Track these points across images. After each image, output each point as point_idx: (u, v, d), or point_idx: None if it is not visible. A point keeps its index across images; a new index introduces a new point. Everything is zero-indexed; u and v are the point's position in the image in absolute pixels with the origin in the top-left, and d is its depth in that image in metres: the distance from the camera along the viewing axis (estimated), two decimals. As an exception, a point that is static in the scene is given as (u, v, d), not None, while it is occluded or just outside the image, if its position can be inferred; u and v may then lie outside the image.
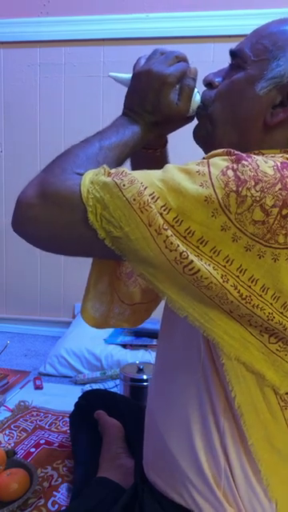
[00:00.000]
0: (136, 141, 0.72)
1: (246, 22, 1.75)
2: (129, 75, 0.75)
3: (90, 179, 0.59)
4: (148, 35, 1.91)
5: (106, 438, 1.07)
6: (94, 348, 1.75)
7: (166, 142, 0.85)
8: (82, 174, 0.60)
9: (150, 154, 0.83)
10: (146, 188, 0.56)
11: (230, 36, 1.80)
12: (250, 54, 0.68)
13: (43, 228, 0.60)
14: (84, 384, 1.63)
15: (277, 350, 0.61)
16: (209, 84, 0.74)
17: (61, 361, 1.74)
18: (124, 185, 0.57)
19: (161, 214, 0.55)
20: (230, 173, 0.55)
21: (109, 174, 0.59)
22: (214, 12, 1.85)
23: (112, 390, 1.54)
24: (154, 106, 0.71)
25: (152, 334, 1.79)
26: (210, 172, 0.56)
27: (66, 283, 2.18)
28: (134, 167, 0.83)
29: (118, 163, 0.68)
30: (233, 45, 0.73)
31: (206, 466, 0.67)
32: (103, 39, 1.96)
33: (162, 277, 0.59)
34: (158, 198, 0.56)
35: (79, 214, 0.58)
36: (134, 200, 0.56)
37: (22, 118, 2.10)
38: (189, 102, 0.72)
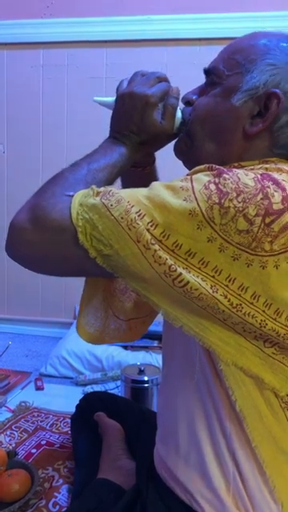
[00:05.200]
0: (124, 162, 0.75)
1: (250, 24, 1.77)
2: (112, 98, 0.78)
3: (79, 201, 0.61)
4: (151, 37, 1.92)
5: (106, 439, 1.07)
6: (95, 349, 1.75)
7: (154, 159, 0.88)
8: (71, 196, 0.62)
9: (140, 172, 0.86)
10: (132, 206, 0.58)
11: (233, 38, 1.79)
12: (223, 70, 0.71)
13: (36, 251, 0.63)
14: (85, 385, 1.64)
15: (273, 353, 0.62)
16: (187, 102, 0.77)
17: (62, 362, 1.75)
18: (111, 205, 0.59)
19: (148, 230, 0.57)
20: (213, 186, 0.57)
21: (97, 194, 0.61)
22: (218, 14, 1.86)
23: (113, 391, 1.54)
24: (138, 126, 0.74)
25: (153, 336, 1.79)
26: (193, 187, 0.58)
27: (67, 284, 2.18)
28: (125, 185, 0.85)
29: (108, 184, 0.70)
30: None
31: (215, 472, 0.67)
32: (106, 41, 1.96)
33: (154, 290, 0.61)
34: (144, 214, 0.58)
35: (70, 235, 0.60)
36: (122, 218, 0.58)
37: (24, 119, 2.10)
38: (172, 120, 0.75)
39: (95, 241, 0.59)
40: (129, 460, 1.00)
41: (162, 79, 0.76)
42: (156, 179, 0.89)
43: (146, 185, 0.66)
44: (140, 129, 0.74)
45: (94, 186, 0.63)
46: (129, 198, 0.59)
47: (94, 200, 0.60)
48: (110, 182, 0.72)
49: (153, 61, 1.90)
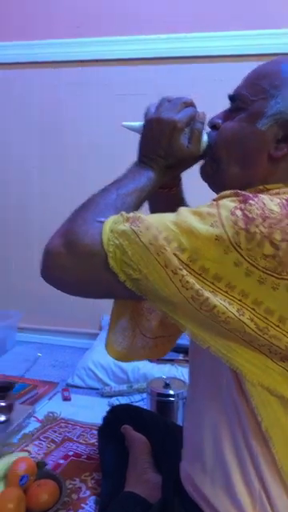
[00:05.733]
0: (151, 185, 0.77)
1: (276, 41, 1.80)
2: (140, 123, 0.81)
3: (110, 228, 0.64)
4: (181, 54, 1.95)
5: (133, 452, 1.09)
6: (121, 361, 1.77)
7: (180, 180, 0.91)
8: (102, 222, 0.65)
9: (167, 193, 0.88)
10: (160, 232, 0.61)
11: (260, 55, 1.82)
12: (248, 95, 0.73)
13: (70, 274, 0.66)
14: (111, 396, 1.66)
15: None
16: (213, 126, 0.79)
17: (88, 373, 1.78)
18: (141, 231, 0.62)
19: (176, 255, 0.59)
20: (239, 212, 0.59)
21: (127, 220, 0.64)
22: (257, 31, 1.87)
23: (138, 403, 1.56)
24: (166, 150, 0.77)
25: (178, 349, 1.80)
26: (219, 213, 0.60)
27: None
28: (152, 206, 0.89)
29: (136, 208, 0.73)
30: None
31: (241, 491, 0.68)
32: (139, 59, 2.00)
33: (181, 313, 0.63)
34: (172, 240, 0.60)
35: (101, 259, 0.63)
36: (151, 244, 0.60)
37: (57, 135, 2.16)
38: (199, 144, 0.78)
39: (125, 265, 0.62)
40: (155, 474, 1.02)
41: (188, 104, 0.78)
42: (182, 199, 0.92)
43: (172, 205, 0.69)
44: (167, 153, 0.77)
45: (123, 213, 0.66)
46: (157, 224, 0.62)
47: (123, 226, 0.63)
48: (139, 206, 0.74)
49: (182, 78, 1.93)
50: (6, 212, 2.28)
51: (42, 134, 2.19)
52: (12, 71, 2.15)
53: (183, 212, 0.63)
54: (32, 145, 2.20)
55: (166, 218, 0.63)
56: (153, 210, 0.89)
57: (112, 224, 0.64)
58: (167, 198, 0.88)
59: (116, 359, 0.86)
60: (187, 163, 0.80)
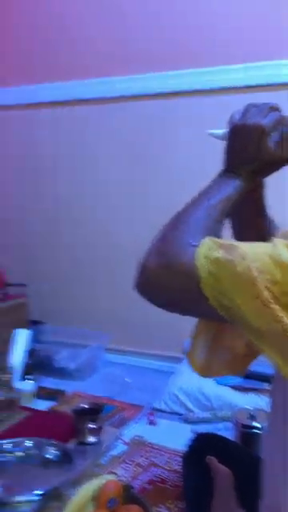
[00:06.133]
0: (238, 193, 0.78)
1: None
2: (225, 130, 0.83)
3: (204, 254, 0.65)
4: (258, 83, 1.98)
5: (217, 485, 1.10)
6: (205, 387, 1.77)
7: (264, 185, 0.91)
8: (195, 246, 0.67)
9: (249, 195, 0.87)
10: (254, 262, 0.61)
11: None
12: None
13: (164, 293, 0.69)
14: (194, 423, 1.67)
15: None
16: None
17: (172, 397, 1.81)
18: (234, 260, 0.62)
19: (267, 288, 0.59)
20: None
21: (220, 247, 0.65)
22: None
23: (221, 431, 1.56)
24: (253, 155, 0.78)
25: (262, 378, 1.78)
26: None
27: (175, 319, 2.24)
28: (234, 209, 0.87)
29: (223, 218, 0.76)
30: None
31: None
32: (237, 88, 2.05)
33: (268, 344, 0.62)
34: (265, 272, 0.60)
35: (194, 283, 0.64)
36: (244, 274, 0.61)
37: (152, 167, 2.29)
38: (286, 148, 0.79)
39: (217, 293, 0.63)
40: (239, 509, 1.02)
41: (275, 109, 0.80)
42: (264, 202, 0.93)
43: (252, 207, 0.74)
44: (255, 158, 0.78)
45: (216, 239, 0.67)
46: (251, 254, 0.62)
47: (217, 253, 0.64)
48: (225, 216, 0.77)
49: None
50: (93, 238, 2.44)
51: (130, 162, 2.31)
52: (96, 107, 2.33)
53: (279, 245, 0.63)
54: (120, 171, 2.33)
55: (261, 248, 0.64)
56: (233, 213, 0.89)
57: (206, 250, 0.66)
58: (249, 199, 0.88)
59: (198, 373, 0.89)
60: (274, 167, 0.82)
